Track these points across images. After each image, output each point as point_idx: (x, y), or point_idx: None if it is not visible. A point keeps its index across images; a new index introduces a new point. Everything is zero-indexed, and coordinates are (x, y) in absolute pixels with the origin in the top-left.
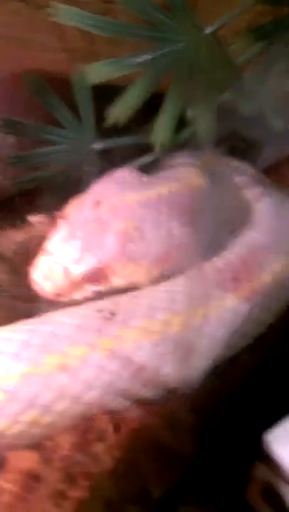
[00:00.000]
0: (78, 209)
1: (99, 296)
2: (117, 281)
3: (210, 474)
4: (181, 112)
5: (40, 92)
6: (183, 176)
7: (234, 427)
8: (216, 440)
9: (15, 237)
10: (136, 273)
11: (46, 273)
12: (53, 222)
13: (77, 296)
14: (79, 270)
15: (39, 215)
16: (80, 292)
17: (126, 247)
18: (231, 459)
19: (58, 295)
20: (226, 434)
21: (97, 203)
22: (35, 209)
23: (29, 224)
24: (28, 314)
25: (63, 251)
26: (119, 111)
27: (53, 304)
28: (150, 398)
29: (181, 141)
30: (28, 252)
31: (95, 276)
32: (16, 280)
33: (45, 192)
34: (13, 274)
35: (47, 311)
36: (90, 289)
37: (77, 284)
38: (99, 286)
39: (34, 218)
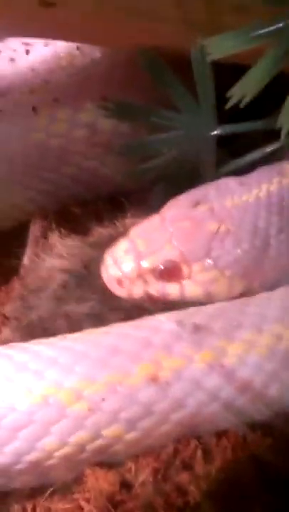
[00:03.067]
0: (174, 206)
1: (163, 298)
2: (191, 287)
3: None
4: None
5: (155, 69)
6: (287, 168)
7: None
8: None
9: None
10: (216, 282)
11: (118, 258)
12: None
13: (139, 290)
14: (153, 259)
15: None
16: (144, 286)
17: (214, 250)
18: None
19: (120, 283)
20: None
21: (196, 203)
22: (146, 207)
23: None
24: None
25: (145, 239)
26: (245, 89)
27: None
28: (250, 422)
29: None
30: None
31: (169, 271)
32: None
33: (158, 186)
34: None
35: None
36: (156, 287)
37: (144, 275)
38: (168, 285)
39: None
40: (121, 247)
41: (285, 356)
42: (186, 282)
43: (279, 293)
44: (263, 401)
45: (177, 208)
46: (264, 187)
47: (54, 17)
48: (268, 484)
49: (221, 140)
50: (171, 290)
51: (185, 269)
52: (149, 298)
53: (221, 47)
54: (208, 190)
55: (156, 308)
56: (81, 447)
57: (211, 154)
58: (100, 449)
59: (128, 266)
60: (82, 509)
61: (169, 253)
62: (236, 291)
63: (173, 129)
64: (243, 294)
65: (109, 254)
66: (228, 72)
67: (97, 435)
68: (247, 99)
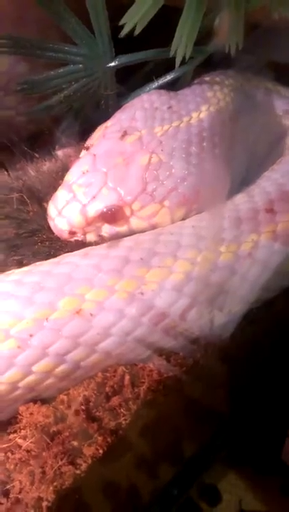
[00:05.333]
0: (103, 139)
1: (117, 238)
2: (137, 222)
3: (244, 432)
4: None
5: (50, 4)
6: (212, 95)
7: (271, 382)
8: (251, 395)
9: (42, 167)
10: (158, 214)
11: (62, 208)
12: (79, 154)
13: (92, 236)
14: (95, 207)
15: (66, 148)
16: (96, 232)
17: (148, 184)
18: (267, 416)
19: (72, 233)
20: (262, 389)
21: (124, 134)
22: (55, 144)
23: (56, 157)
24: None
25: (81, 185)
26: (136, 16)
27: (70, 243)
28: (172, 347)
29: (207, 54)
30: (57, 184)
31: (113, 215)
32: (43, 213)
33: (64, 124)
34: (40, 206)
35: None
36: (107, 229)
37: (92, 223)
38: (117, 226)
39: (60, 151)
40: (61, 197)
41: (200, 279)
42: (131, 219)
43: (190, 221)
44: (182, 326)
45: (106, 142)
46: (194, 115)
47: None
48: (193, 410)
49: (122, 72)
50: (120, 229)
51: (127, 210)
52: (103, 239)
53: None
54: (134, 114)
55: None
56: (13, 385)
57: (111, 85)
58: (32, 385)
59: (75, 218)
60: (20, 446)
61: (108, 198)
62: (178, 218)
63: (71, 63)
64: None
65: (52, 206)
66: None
67: (28, 371)
68: (140, 27)
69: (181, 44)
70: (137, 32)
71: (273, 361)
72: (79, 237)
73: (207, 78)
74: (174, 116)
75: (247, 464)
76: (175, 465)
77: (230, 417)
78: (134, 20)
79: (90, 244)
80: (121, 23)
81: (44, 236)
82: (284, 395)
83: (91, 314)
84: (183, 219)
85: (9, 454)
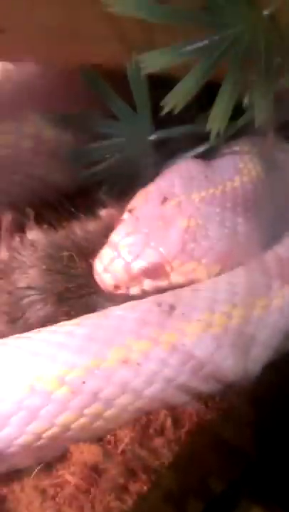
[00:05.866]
0: (145, 203)
1: (157, 291)
2: (176, 278)
3: (270, 470)
4: (237, 99)
5: (95, 85)
6: (243, 166)
7: None
8: (276, 435)
9: (87, 227)
10: (195, 270)
11: (107, 265)
12: (120, 215)
13: (135, 290)
14: (139, 265)
15: (108, 209)
16: (139, 286)
17: (187, 244)
18: None
19: (117, 287)
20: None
21: (164, 199)
22: (96, 205)
23: (99, 216)
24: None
25: (126, 244)
26: (176, 98)
27: (115, 297)
28: (209, 393)
29: (238, 128)
30: (101, 242)
31: (155, 271)
32: (89, 269)
33: (105, 188)
34: (87, 263)
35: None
36: (148, 284)
37: (136, 278)
38: (158, 281)
39: (103, 211)
40: (107, 254)
41: (236, 332)
42: (171, 275)
43: (225, 277)
44: (219, 374)
45: (147, 206)
46: (228, 184)
47: (3, 41)
48: (221, 451)
49: (159, 142)
50: (161, 284)
51: (167, 267)
52: (145, 293)
53: (154, 61)
54: (173, 181)
55: None
56: (66, 427)
57: (150, 156)
58: (83, 427)
59: (119, 274)
60: (69, 482)
61: (150, 256)
62: (213, 274)
63: (114, 137)
64: (219, 274)
65: (99, 263)
66: (160, 82)
67: (80, 414)
68: (179, 108)
69: (216, 121)
70: (176, 111)
71: None
72: (123, 290)
73: (236, 148)
74: (210, 185)
75: (273, 500)
76: (203, 501)
77: (256, 456)
78: (174, 102)
79: (133, 297)
80: (162, 104)
81: (91, 290)
82: None
83: (138, 363)
84: (218, 274)
85: (58, 489)
